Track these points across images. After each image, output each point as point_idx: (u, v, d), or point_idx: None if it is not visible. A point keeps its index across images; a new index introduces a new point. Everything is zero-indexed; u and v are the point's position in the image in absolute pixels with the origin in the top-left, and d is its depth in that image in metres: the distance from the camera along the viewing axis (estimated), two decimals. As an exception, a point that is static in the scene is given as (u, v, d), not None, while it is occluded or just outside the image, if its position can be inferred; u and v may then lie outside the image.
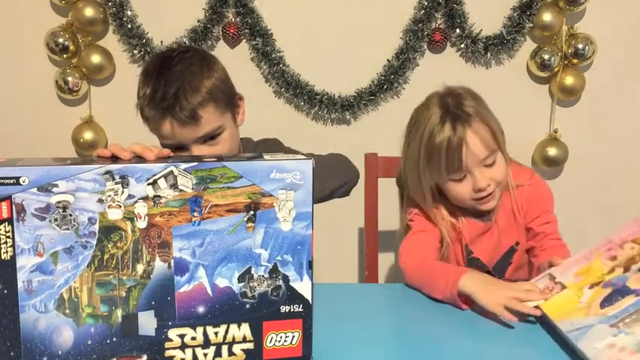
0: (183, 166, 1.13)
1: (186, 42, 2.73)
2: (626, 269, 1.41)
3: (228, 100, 1.71)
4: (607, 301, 1.32)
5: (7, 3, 2.74)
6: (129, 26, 2.72)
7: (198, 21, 2.74)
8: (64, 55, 2.71)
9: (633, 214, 2.87)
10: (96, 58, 2.72)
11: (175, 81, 1.60)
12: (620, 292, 1.35)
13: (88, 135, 2.77)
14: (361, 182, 2.14)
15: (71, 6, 2.69)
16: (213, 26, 2.75)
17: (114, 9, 2.71)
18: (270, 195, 1.18)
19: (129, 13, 2.72)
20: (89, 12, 2.68)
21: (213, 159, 1.17)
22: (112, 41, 2.78)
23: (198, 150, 1.63)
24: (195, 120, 1.59)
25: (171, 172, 1.13)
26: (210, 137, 1.65)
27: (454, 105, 1.70)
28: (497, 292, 1.49)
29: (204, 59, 1.69)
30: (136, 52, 2.75)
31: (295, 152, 1.90)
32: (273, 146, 1.90)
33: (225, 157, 1.20)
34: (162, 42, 2.74)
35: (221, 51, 2.78)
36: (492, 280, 1.57)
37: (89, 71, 2.74)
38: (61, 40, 2.68)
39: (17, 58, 2.79)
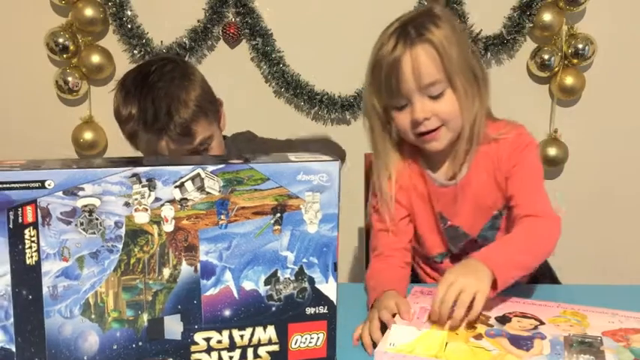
0: (210, 168, 1.13)
1: (186, 42, 2.72)
2: (489, 326, 1.36)
3: (214, 108, 1.73)
4: (522, 346, 1.26)
5: (7, 3, 2.72)
6: (129, 26, 2.70)
7: (198, 21, 2.72)
8: (64, 55, 2.69)
9: (633, 214, 2.92)
10: (96, 58, 2.71)
11: (163, 98, 1.60)
12: (518, 337, 1.30)
13: (88, 135, 2.76)
14: (361, 182, 2.14)
15: (71, 6, 2.67)
16: (213, 26, 2.74)
17: (114, 9, 2.69)
18: (297, 197, 1.18)
19: (129, 13, 2.70)
20: (89, 12, 2.66)
21: (240, 161, 1.16)
22: (112, 41, 2.76)
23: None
24: (190, 136, 1.61)
25: (198, 174, 1.12)
26: (202, 149, 1.66)
27: (415, 24, 1.54)
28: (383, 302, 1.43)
29: (184, 71, 1.69)
30: (135, 52, 2.73)
31: (267, 141, 1.92)
32: (248, 140, 1.90)
33: (252, 158, 1.20)
34: (162, 42, 2.73)
35: (221, 51, 2.77)
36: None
37: (89, 71, 2.72)
38: (61, 40, 2.66)
39: (17, 58, 2.76)
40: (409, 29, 1.52)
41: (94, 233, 1.10)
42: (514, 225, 1.57)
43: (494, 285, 1.38)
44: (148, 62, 1.81)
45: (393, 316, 1.38)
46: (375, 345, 1.34)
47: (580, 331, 1.33)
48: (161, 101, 1.60)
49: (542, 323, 1.37)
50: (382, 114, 1.63)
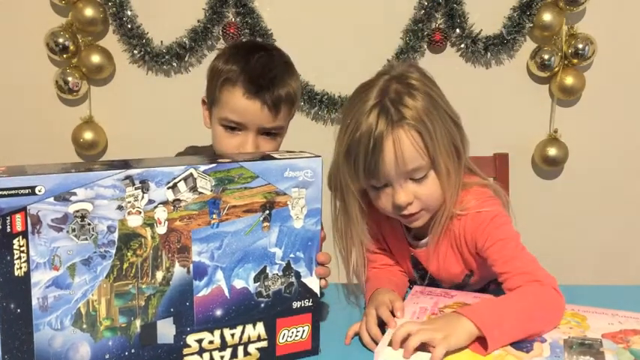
0: (202, 167, 1.13)
1: (186, 42, 2.74)
2: None
3: (294, 111, 1.71)
4: (522, 348, 1.26)
5: (7, 3, 2.72)
6: (129, 26, 2.71)
7: (198, 21, 2.73)
8: (64, 55, 2.70)
9: (633, 214, 2.92)
10: (96, 58, 2.72)
11: (273, 68, 1.61)
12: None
13: (88, 135, 2.77)
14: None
15: (71, 6, 2.68)
16: (213, 26, 2.74)
17: (114, 9, 2.70)
18: (284, 193, 1.21)
19: (129, 13, 2.71)
20: (89, 12, 2.67)
21: (229, 160, 1.17)
22: (112, 41, 2.77)
23: (255, 139, 1.60)
24: (276, 111, 1.59)
25: (191, 174, 1.12)
26: (272, 133, 1.64)
27: (392, 98, 1.42)
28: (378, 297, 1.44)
29: (292, 65, 1.70)
30: (136, 52, 2.74)
31: None
32: None
33: (240, 157, 1.22)
34: (162, 42, 2.74)
35: (221, 51, 2.77)
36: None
37: (89, 71, 2.73)
38: (61, 40, 2.67)
39: (17, 58, 2.77)
40: (388, 105, 1.41)
41: (87, 239, 1.07)
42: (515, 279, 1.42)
43: (484, 343, 1.25)
44: (264, 42, 1.79)
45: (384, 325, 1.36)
46: (374, 341, 1.34)
47: (580, 333, 1.33)
48: (270, 68, 1.60)
49: None
50: (360, 196, 1.50)
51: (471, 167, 1.59)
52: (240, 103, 1.57)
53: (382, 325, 1.36)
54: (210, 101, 1.66)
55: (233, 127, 1.60)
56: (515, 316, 1.31)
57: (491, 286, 1.65)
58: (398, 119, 1.40)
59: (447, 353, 1.21)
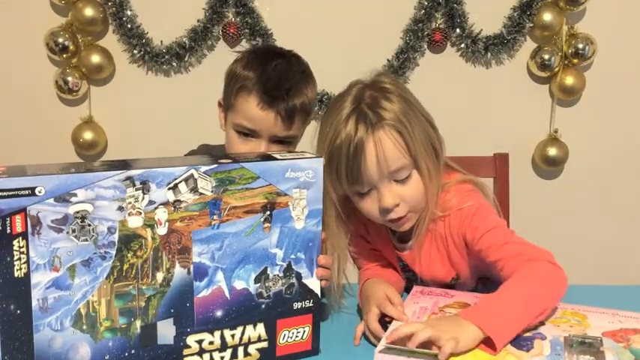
0: (203, 168, 1.13)
1: (186, 42, 2.74)
2: None
3: (308, 120, 1.71)
4: (523, 346, 1.26)
5: (7, 3, 2.73)
6: (129, 26, 2.71)
7: (198, 21, 2.73)
8: (64, 55, 2.70)
9: (633, 214, 2.92)
10: (96, 58, 2.72)
11: (289, 78, 1.60)
12: (518, 338, 1.29)
13: (87, 135, 2.77)
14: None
15: (71, 6, 2.68)
16: (213, 26, 2.74)
17: (114, 9, 2.70)
18: (286, 194, 1.21)
19: (129, 13, 2.71)
20: (89, 12, 2.67)
21: (230, 160, 1.17)
22: (111, 41, 2.77)
23: (268, 146, 1.60)
24: (290, 121, 1.59)
25: (192, 175, 1.12)
26: (285, 141, 1.63)
27: (369, 103, 1.43)
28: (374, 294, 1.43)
29: (311, 74, 1.71)
30: (135, 52, 2.74)
31: None
32: None
33: (242, 157, 1.21)
34: (162, 42, 2.74)
35: (221, 51, 2.77)
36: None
37: (89, 71, 2.73)
38: (60, 40, 2.67)
39: (17, 58, 2.77)
40: (365, 110, 1.42)
41: (87, 240, 1.07)
42: (507, 256, 1.43)
43: (491, 344, 1.24)
44: (283, 49, 1.81)
45: (388, 320, 1.36)
46: (376, 337, 1.34)
47: (580, 331, 1.33)
48: (286, 78, 1.59)
49: (542, 324, 1.37)
50: (339, 203, 1.50)
51: (450, 164, 1.60)
52: (254, 112, 1.57)
53: (380, 322, 1.36)
54: (226, 105, 1.66)
55: (246, 134, 1.60)
56: (518, 306, 1.31)
57: (479, 286, 1.65)
58: (377, 121, 1.41)
59: (455, 354, 1.21)
